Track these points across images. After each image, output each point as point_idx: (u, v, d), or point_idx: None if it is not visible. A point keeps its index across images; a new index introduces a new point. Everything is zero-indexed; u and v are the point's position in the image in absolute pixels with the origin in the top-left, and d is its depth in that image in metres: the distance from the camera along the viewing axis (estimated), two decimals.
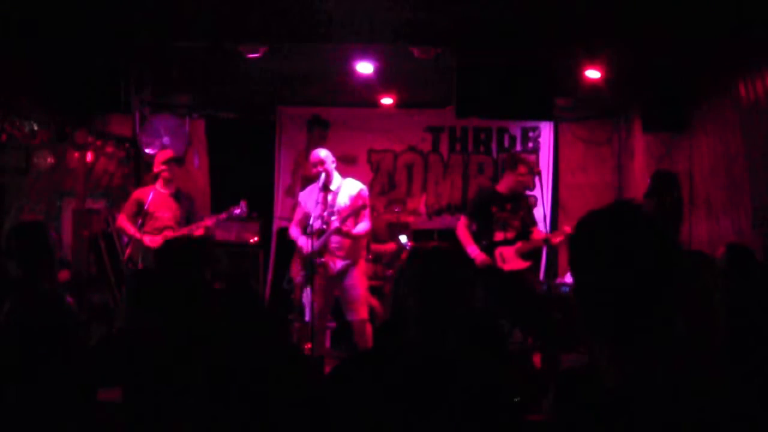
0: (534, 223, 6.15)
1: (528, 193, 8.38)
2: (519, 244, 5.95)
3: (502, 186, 6.10)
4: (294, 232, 5.80)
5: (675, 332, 1.27)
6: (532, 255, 6.16)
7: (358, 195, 5.59)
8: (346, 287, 5.58)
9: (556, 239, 6.03)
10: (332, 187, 5.60)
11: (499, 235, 5.96)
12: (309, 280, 5.54)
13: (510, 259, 5.93)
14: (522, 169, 6.01)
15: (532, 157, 8.42)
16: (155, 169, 6.21)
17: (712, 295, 1.67)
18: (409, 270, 2.32)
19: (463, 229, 6.05)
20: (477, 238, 5.99)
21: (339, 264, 5.53)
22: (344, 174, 5.81)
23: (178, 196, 6.21)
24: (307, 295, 5.80)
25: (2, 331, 2.02)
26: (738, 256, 3.03)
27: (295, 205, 6.20)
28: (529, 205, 6.33)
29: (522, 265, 5.96)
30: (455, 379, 2.05)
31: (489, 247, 5.94)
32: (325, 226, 5.47)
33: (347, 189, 5.63)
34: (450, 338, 2.13)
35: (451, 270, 2.23)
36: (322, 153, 5.65)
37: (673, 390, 1.23)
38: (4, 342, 2.00)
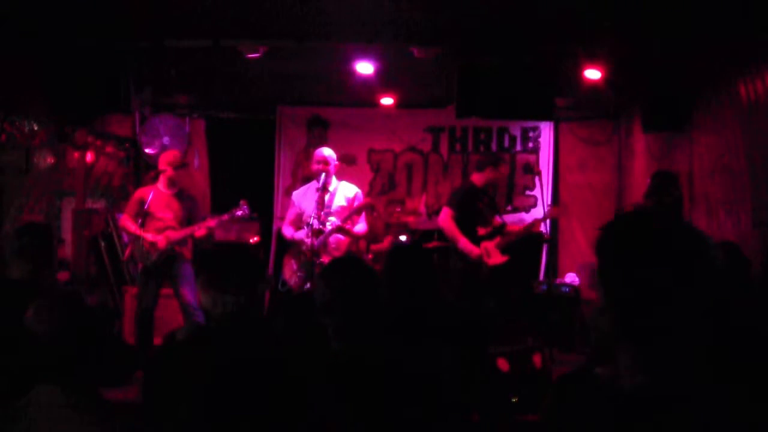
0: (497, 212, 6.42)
1: (528, 192, 8.46)
2: (498, 239, 6.11)
3: (479, 180, 6.21)
4: (288, 231, 5.80)
5: (700, 334, 1.26)
6: (511, 249, 6.25)
7: (355, 197, 5.65)
8: None
9: (537, 227, 6.43)
10: (330, 188, 5.63)
11: (481, 230, 6.11)
12: (310, 277, 5.54)
13: (493, 254, 6.03)
14: (504, 169, 6.30)
15: (533, 157, 8.43)
16: (160, 167, 6.17)
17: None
18: (317, 281, 2.42)
19: (450, 221, 6.08)
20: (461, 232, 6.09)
21: None
22: (345, 174, 5.82)
23: (180, 195, 6.16)
24: None
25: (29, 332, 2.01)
26: (727, 254, 3.01)
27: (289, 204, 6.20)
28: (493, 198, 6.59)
29: (503, 259, 6.06)
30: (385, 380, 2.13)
31: (474, 242, 6.04)
32: (321, 226, 5.50)
33: (343, 191, 5.66)
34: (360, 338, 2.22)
35: (352, 281, 2.35)
36: (328, 152, 5.66)
37: (694, 392, 1.21)
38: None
